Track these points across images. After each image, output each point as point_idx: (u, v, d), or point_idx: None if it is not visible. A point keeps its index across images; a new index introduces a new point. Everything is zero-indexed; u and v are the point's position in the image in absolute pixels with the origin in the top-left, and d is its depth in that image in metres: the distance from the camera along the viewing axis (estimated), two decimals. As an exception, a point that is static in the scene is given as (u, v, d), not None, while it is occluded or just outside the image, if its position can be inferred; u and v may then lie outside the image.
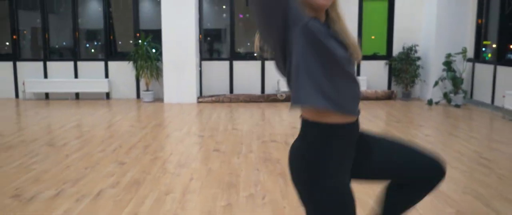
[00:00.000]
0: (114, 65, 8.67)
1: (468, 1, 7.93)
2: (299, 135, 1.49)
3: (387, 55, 8.73)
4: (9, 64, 8.75)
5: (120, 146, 5.10)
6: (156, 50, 8.21)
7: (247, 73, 8.69)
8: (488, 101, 7.47)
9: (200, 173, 4.08)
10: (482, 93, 7.69)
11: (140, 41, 8.10)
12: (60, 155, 4.75)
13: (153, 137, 5.64)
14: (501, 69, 7.14)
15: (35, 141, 5.41)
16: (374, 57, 8.73)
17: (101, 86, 8.56)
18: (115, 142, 5.31)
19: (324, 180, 1.41)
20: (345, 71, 1.40)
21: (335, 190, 1.43)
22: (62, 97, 8.76)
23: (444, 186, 3.78)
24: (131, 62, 8.34)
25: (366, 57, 8.68)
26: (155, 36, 8.39)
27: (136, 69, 8.19)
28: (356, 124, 1.50)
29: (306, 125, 1.45)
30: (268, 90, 8.71)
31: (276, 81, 8.56)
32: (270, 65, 8.66)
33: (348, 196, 1.45)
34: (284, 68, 1.41)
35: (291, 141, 1.69)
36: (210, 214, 3.14)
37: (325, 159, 1.41)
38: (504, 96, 6.63)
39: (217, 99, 8.22)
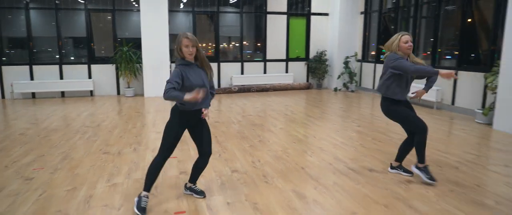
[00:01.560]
0: (96, 68, 9.35)
1: (358, 21, 10.40)
2: (384, 98, 3.63)
3: (306, 58, 10.89)
4: (-6, 68, 8.86)
5: (148, 122, 6.24)
6: (135, 55, 9.14)
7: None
8: (371, 87, 10.02)
9: (220, 133, 5.55)
10: (367, 82, 10.22)
11: (124, 47, 8.97)
12: (104, 131, 5.73)
13: (168, 115, 6.80)
14: (378, 66, 9.72)
15: (70, 125, 6.20)
16: (297, 59, 10.82)
17: (86, 85, 9.19)
18: (139, 121, 6.41)
19: (396, 108, 3.49)
20: (407, 81, 3.46)
21: (401, 111, 3.54)
22: (48, 96, 9.15)
23: (353, 126, 5.85)
24: (110, 65, 9.18)
25: (291, 59, 10.74)
26: (129, 42, 9.30)
27: (120, 70, 9.05)
28: (405, 100, 3.55)
29: (384, 98, 3.54)
30: (223, 84, 10.22)
31: (230, 78, 10.12)
32: (224, 66, 10.20)
33: (406, 112, 3.52)
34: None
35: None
36: (244, 150, 4.70)
37: (395, 104, 3.47)
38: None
39: (186, 92, 9.49)
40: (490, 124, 6.09)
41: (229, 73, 10.11)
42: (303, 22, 10.70)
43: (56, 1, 8.95)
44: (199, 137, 3.14)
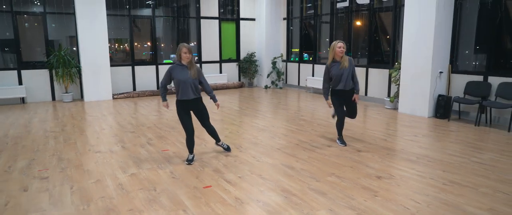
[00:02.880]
0: (27, 73, 8.93)
1: (281, 25, 11.84)
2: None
3: (237, 59, 11.95)
4: None
5: (114, 124, 6.54)
6: (72, 59, 9.01)
7: (145, 75, 10.39)
8: (296, 84, 11.58)
9: (190, 129, 6.24)
10: (293, 79, 11.75)
11: (61, 51, 8.78)
12: (74, 134, 5.93)
13: (126, 116, 7.13)
14: (302, 65, 11.31)
15: (31, 131, 6.18)
16: (229, 60, 11.80)
17: (16, 92, 8.72)
18: (103, 123, 6.66)
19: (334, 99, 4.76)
20: (336, 77, 4.74)
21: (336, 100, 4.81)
22: (-31, 105, 8.46)
23: (298, 116, 7.14)
24: (43, 70, 8.93)
25: (224, 61, 11.70)
26: (64, 46, 9.13)
27: (57, 75, 8.84)
28: (343, 90, 4.91)
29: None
30: (163, 86, 10.61)
31: (169, 79, 10.58)
32: (162, 68, 10.64)
33: (338, 102, 4.84)
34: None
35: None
36: (223, 141, 5.53)
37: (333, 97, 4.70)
38: (306, 80, 10.79)
39: (128, 95, 9.71)
40: (396, 108, 8.00)
41: (168, 75, 10.58)
42: (233, 26, 11.75)
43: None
44: (198, 117, 4.60)
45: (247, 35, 11.91)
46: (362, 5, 9.09)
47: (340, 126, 5.26)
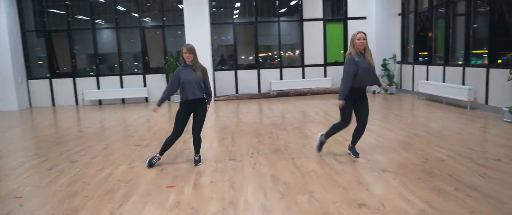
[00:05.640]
0: (150, 77, 10.78)
1: (395, 23, 10.43)
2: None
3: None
4: (70, 80, 10.73)
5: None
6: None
7: (247, 78, 10.95)
8: (410, 88, 9.94)
9: (238, 131, 6.29)
10: (407, 84, 10.14)
11: (171, 58, 10.28)
12: (143, 129, 6.82)
13: (225, 114, 7.75)
14: (416, 67, 9.63)
15: (119, 125, 7.43)
16: (335, 63, 11.13)
17: (142, 93, 10.64)
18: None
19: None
20: (362, 72, 4.04)
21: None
22: (111, 103, 10.78)
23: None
24: (161, 74, 10.56)
25: (330, 64, 11.11)
26: (177, 54, 10.57)
27: (169, 78, 10.36)
28: (362, 89, 4.19)
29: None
30: (263, 90, 10.96)
31: (269, 83, 10.83)
32: (264, 72, 10.96)
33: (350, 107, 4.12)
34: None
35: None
36: (250, 145, 5.35)
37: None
38: (418, 84, 9.13)
39: (228, 98, 10.43)
40: (515, 122, 5.93)
41: (269, 78, 10.83)
42: (340, 27, 11.02)
43: (116, 16, 10.58)
44: (196, 119, 4.46)
45: (356, 36, 10.94)
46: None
47: (335, 130, 4.55)
